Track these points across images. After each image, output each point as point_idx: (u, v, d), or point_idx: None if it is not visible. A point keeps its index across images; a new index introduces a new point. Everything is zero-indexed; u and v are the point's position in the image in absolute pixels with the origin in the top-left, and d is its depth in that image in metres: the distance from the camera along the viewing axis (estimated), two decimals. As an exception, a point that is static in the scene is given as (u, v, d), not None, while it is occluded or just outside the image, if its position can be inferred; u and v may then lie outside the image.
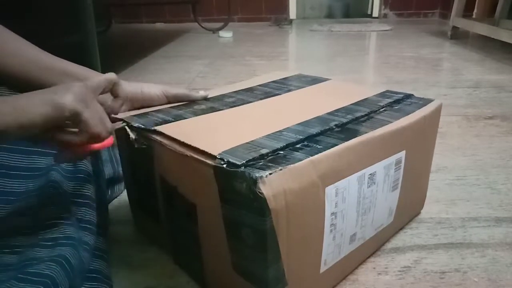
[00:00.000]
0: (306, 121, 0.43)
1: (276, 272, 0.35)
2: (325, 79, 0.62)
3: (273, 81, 0.61)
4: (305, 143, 0.38)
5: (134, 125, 0.44)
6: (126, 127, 0.44)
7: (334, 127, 0.41)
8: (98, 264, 0.41)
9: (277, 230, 0.33)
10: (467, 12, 2.11)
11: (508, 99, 1.11)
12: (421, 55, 1.72)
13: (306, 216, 0.35)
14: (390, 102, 0.50)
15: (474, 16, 2.34)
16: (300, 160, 0.34)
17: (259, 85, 0.59)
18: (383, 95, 0.53)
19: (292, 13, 3.05)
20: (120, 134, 0.48)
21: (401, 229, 0.55)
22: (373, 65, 1.61)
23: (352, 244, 0.43)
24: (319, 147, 0.37)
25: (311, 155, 0.35)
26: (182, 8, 2.86)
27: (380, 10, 3.07)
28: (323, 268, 0.40)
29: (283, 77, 0.64)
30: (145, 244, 0.52)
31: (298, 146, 0.37)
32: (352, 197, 0.40)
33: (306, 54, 1.87)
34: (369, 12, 3.15)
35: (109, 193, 0.60)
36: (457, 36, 2.08)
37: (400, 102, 0.51)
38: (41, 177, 0.39)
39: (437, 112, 0.51)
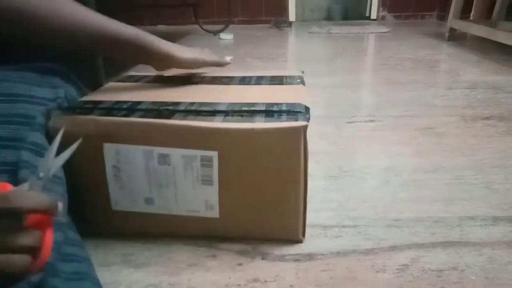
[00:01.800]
0: (199, 102, 0.52)
1: None
2: (298, 83, 0.63)
3: (260, 76, 0.67)
4: (135, 108, 0.49)
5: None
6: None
7: (186, 109, 0.50)
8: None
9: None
10: (464, 14, 2.12)
11: (505, 99, 1.12)
12: (419, 57, 1.73)
13: (87, 157, 0.47)
14: (278, 110, 0.49)
15: (471, 18, 2.35)
16: (87, 117, 0.47)
17: (249, 76, 0.66)
18: (290, 105, 0.51)
19: (292, 15, 3.07)
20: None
21: (398, 227, 0.55)
22: (371, 66, 1.62)
23: (150, 207, 0.51)
24: (134, 114, 0.48)
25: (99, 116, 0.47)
26: (183, 10, 2.87)
27: (378, 12, 3.09)
28: (115, 207, 0.51)
29: (277, 74, 0.68)
30: (148, 242, 0.53)
31: (120, 108, 0.49)
32: (137, 163, 0.48)
33: (305, 56, 1.88)
34: (367, 15, 3.17)
35: None
36: (455, 37, 2.09)
37: (282, 113, 0.49)
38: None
39: (288, 132, 0.46)
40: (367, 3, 3.17)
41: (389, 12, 3.08)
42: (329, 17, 3.46)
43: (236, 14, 2.99)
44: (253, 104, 0.51)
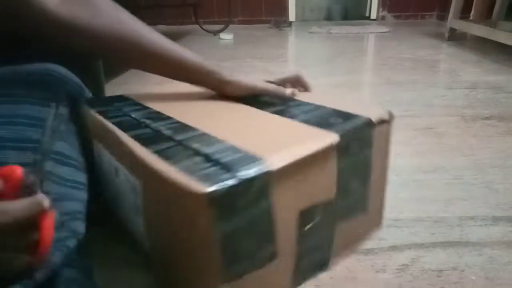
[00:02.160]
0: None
1: None
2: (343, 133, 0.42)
3: (319, 106, 0.50)
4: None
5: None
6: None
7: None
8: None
9: None
10: (464, 13, 2.12)
11: (505, 99, 1.12)
12: (419, 57, 1.73)
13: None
14: (217, 158, 0.37)
15: (471, 18, 2.35)
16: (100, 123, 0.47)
17: (305, 102, 0.52)
18: (247, 157, 0.38)
19: (292, 15, 3.07)
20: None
21: (398, 227, 0.55)
22: (371, 66, 1.62)
23: (117, 211, 0.49)
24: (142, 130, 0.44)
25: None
26: (183, 10, 2.87)
27: (378, 12, 3.09)
28: (102, 202, 0.52)
29: (345, 110, 0.48)
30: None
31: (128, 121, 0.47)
32: (107, 167, 0.47)
33: (305, 56, 1.88)
34: (367, 15, 3.17)
35: None
36: (455, 37, 2.09)
37: (217, 165, 0.36)
38: None
39: (186, 195, 0.33)
40: (367, 3, 3.17)
41: (389, 12, 3.09)
42: (329, 17, 3.46)
43: (236, 14, 2.99)
44: (216, 142, 0.39)
